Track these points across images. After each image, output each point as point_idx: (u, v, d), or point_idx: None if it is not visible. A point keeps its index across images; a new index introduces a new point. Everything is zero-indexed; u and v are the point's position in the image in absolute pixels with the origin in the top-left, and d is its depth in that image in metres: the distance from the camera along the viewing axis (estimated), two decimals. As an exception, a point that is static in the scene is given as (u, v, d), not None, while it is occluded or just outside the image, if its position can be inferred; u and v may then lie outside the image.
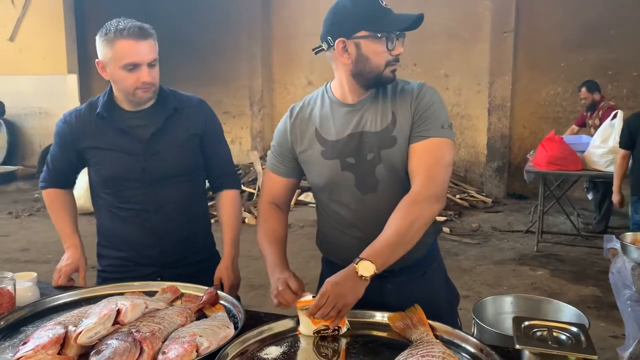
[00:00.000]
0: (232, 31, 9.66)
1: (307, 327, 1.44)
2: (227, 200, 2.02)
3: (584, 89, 6.22)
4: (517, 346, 1.23)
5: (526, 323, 1.33)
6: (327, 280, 1.41)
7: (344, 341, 1.44)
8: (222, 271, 1.91)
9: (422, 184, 1.50)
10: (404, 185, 1.57)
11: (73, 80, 9.87)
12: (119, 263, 1.91)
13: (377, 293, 1.58)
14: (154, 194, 1.86)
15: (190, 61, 9.91)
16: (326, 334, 1.43)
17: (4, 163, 10.25)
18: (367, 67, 1.55)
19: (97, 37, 1.73)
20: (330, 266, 1.79)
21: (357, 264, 1.40)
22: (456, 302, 1.84)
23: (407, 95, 1.58)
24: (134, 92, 1.76)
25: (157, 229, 1.88)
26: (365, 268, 1.39)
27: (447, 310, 1.62)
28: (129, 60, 1.71)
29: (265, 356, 1.36)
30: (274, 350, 1.38)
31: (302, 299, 1.46)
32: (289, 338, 1.45)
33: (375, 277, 1.63)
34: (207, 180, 2.05)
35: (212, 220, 2.14)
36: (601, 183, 5.79)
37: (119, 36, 1.68)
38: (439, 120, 1.56)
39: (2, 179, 9.43)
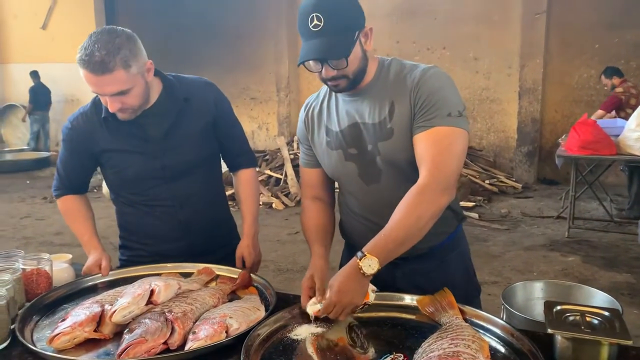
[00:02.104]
0: (258, 16, 9.65)
1: None
2: (245, 179, 2.02)
3: (602, 76, 6.33)
4: (549, 331, 1.22)
5: (558, 307, 1.31)
6: (330, 285, 1.39)
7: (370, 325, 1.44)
8: (243, 249, 1.91)
9: (429, 174, 1.42)
10: (407, 176, 1.52)
11: (103, 67, 10.01)
12: (145, 254, 1.91)
13: (389, 278, 1.57)
14: (177, 188, 1.84)
15: (216, 47, 9.96)
16: (358, 311, 1.44)
17: (38, 149, 10.55)
18: None
19: None
20: (350, 247, 1.80)
21: (360, 260, 1.36)
22: (476, 295, 1.78)
23: (407, 83, 1.49)
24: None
25: (184, 222, 1.87)
26: (369, 265, 1.36)
27: (464, 302, 1.50)
28: (92, 90, 1.63)
29: (295, 337, 1.37)
30: (303, 331, 1.39)
31: (312, 309, 1.44)
32: (318, 320, 1.45)
33: (389, 264, 1.63)
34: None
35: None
36: (635, 168, 5.64)
37: (80, 64, 1.58)
38: (444, 107, 1.45)
39: (37, 164, 9.68)
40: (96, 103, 1.81)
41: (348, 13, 1.44)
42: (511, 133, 8.18)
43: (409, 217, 1.41)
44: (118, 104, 1.64)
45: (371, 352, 1.31)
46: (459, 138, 1.45)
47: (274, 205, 6.85)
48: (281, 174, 7.74)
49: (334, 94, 1.63)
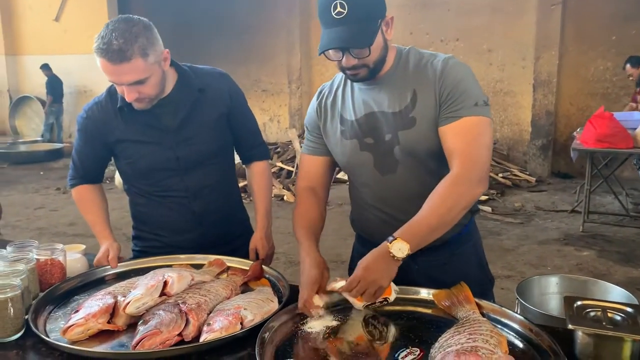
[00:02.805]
0: (269, 7, 9.62)
1: (355, 303, 1.42)
2: (258, 172, 2.01)
3: (628, 65, 6.09)
4: (570, 326, 1.19)
5: (579, 303, 1.28)
6: (359, 263, 1.38)
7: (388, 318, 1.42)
8: (256, 242, 1.91)
9: (462, 165, 1.41)
10: (425, 167, 1.53)
11: (115, 59, 10.05)
12: (158, 245, 1.91)
13: (404, 272, 1.56)
14: (191, 179, 1.83)
15: (227, 39, 9.95)
16: (376, 307, 1.41)
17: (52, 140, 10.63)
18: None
19: None
20: (361, 240, 1.78)
21: (390, 244, 1.36)
22: (490, 287, 1.77)
23: (429, 73, 1.48)
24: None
25: (197, 213, 1.86)
26: (399, 249, 1.35)
27: (479, 295, 1.49)
28: (109, 79, 1.62)
29: (309, 329, 1.35)
30: (317, 324, 1.37)
31: (334, 285, 1.42)
32: (333, 312, 1.44)
33: None
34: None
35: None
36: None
37: (98, 53, 1.57)
38: (471, 98, 1.44)
39: (50, 155, 9.76)
40: (111, 93, 1.81)
41: (371, 1, 1.42)
42: (525, 126, 8.10)
43: (442, 206, 1.40)
44: (135, 93, 1.63)
45: (392, 334, 1.31)
46: (487, 127, 1.46)
47: (285, 198, 6.84)
48: (292, 167, 7.73)
49: (349, 82, 1.61)
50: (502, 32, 8.00)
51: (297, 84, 9.74)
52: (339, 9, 1.37)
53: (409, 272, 1.60)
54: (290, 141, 8.34)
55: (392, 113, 1.51)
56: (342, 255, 4.73)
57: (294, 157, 7.85)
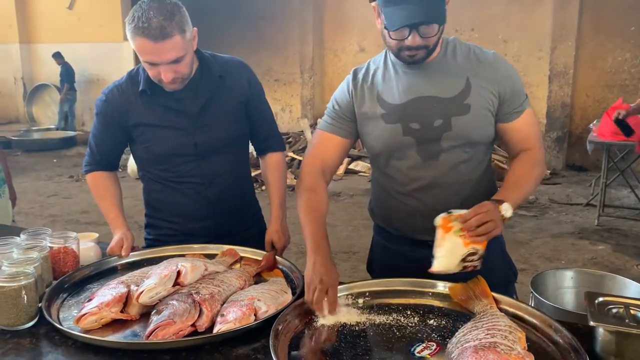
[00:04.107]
0: (283, -4, 9.54)
1: (452, 255, 1.36)
2: (273, 163, 1.99)
3: None
4: (592, 323, 1.16)
5: (600, 299, 1.25)
6: (476, 206, 1.37)
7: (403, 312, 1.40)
8: (272, 234, 1.90)
9: (539, 151, 1.56)
10: (468, 155, 1.55)
11: (128, 47, 10.06)
12: (171, 233, 1.90)
13: (429, 265, 1.54)
14: (208, 166, 1.82)
15: (240, 28, 9.91)
16: (471, 265, 1.37)
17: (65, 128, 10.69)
18: (386, 42, 1.50)
19: (126, 18, 1.62)
20: (382, 233, 1.75)
21: (500, 206, 1.37)
22: (513, 278, 1.76)
23: (486, 67, 1.52)
24: (159, 81, 1.68)
25: (212, 201, 1.86)
26: (507, 210, 1.39)
27: (502, 286, 1.51)
28: (147, 59, 1.61)
29: (323, 323, 1.33)
30: (331, 318, 1.35)
31: (454, 212, 1.38)
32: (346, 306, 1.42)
33: (424, 247, 1.57)
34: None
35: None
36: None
37: (136, 33, 1.55)
38: (523, 91, 1.56)
39: (63, 143, 9.82)
40: (132, 76, 1.80)
41: None
42: (540, 118, 7.99)
43: (534, 179, 1.53)
44: (172, 72, 1.63)
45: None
46: (534, 114, 1.61)
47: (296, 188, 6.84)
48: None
49: (390, 65, 1.58)
50: (518, 23, 7.88)
51: (310, 73, 9.69)
52: None
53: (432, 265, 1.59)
54: (302, 131, 8.31)
55: (446, 99, 1.51)
56: (354, 246, 4.71)
57: (306, 147, 7.82)
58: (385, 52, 1.61)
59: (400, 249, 1.69)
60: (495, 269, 1.65)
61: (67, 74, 10.33)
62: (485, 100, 1.51)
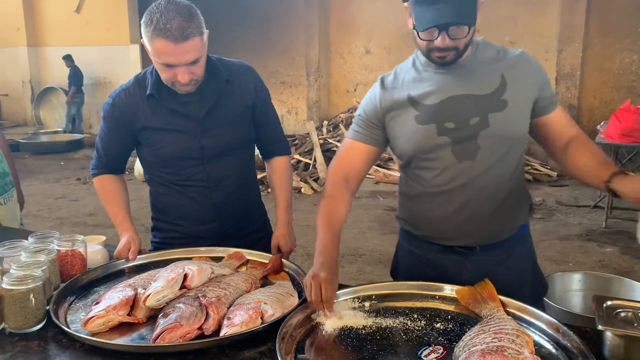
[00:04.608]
0: (289, -1, 9.56)
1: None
2: (279, 167, 2.00)
3: None
4: (600, 327, 1.16)
5: (609, 303, 1.24)
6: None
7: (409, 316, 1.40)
8: (279, 238, 1.90)
9: (583, 132, 1.58)
10: (504, 153, 1.52)
11: (135, 50, 10.13)
12: (178, 236, 1.91)
13: (456, 272, 1.52)
14: (213, 169, 1.83)
15: (246, 30, 9.92)
16: None
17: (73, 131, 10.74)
18: (416, 42, 1.49)
19: (142, 19, 1.62)
20: (409, 239, 1.72)
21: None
22: (543, 293, 1.74)
23: (520, 62, 1.53)
24: (172, 84, 1.69)
25: (218, 204, 1.86)
26: None
27: (531, 300, 1.43)
28: (166, 61, 1.61)
29: (329, 328, 1.33)
30: (336, 322, 1.35)
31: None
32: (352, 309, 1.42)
33: (453, 254, 1.57)
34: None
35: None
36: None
37: (157, 34, 1.55)
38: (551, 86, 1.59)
39: (71, 146, 9.86)
40: (139, 80, 1.81)
41: None
42: (547, 119, 7.96)
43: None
44: (188, 74, 1.64)
45: None
46: None
47: (302, 190, 6.83)
48: (310, 159, 7.71)
49: (420, 67, 1.56)
50: (525, 24, 7.86)
51: (316, 76, 9.69)
52: None
53: (462, 272, 1.57)
54: (308, 133, 8.31)
55: (481, 96, 1.49)
56: (360, 249, 4.71)
57: (312, 149, 7.82)
58: (413, 57, 1.60)
59: (427, 255, 1.66)
60: (525, 283, 1.63)
61: (75, 76, 10.38)
62: (523, 94, 1.51)
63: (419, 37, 1.44)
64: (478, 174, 1.52)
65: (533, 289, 1.66)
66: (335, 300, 1.39)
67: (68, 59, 10.29)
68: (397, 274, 1.82)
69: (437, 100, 1.51)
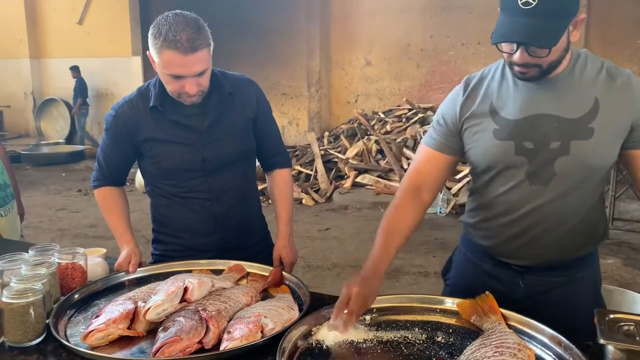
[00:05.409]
0: (290, 10, 9.62)
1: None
2: (280, 180, 2.00)
3: None
4: (601, 341, 1.15)
5: (610, 316, 1.24)
6: None
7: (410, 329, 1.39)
8: (280, 250, 1.91)
9: None
10: (579, 186, 1.41)
11: (137, 62, 10.18)
12: (178, 248, 1.90)
13: (506, 288, 1.45)
14: (215, 182, 1.83)
15: (247, 42, 9.99)
16: None
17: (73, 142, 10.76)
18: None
19: (150, 31, 1.62)
20: (469, 245, 1.64)
21: None
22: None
23: (620, 88, 1.36)
24: (178, 95, 1.70)
25: (219, 216, 1.86)
26: None
27: (586, 327, 1.29)
28: (175, 72, 1.61)
29: (329, 343, 1.32)
30: (337, 336, 1.34)
31: None
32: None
33: (507, 270, 1.52)
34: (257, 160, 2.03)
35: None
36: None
37: (167, 46, 1.56)
38: None
39: (72, 157, 9.88)
40: (142, 92, 1.82)
41: None
42: (547, 130, 7.98)
43: None
44: (196, 85, 1.65)
45: None
46: None
47: (304, 201, 6.83)
48: (311, 170, 7.71)
49: (509, 77, 1.44)
50: (525, 36, 7.91)
51: (317, 87, 9.74)
52: None
53: (513, 290, 1.51)
54: (309, 144, 8.32)
55: (568, 120, 1.36)
56: (361, 260, 4.69)
57: (313, 160, 7.84)
58: (503, 62, 1.46)
59: (483, 265, 1.60)
60: (582, 309, 1.46)
61: (81, 88, 10.41)
62: (614, 125, 1.36)
63: (498, 48, 1.34)
64: (549, 200, 1.42)
65: (591, 316, 1.33)
66: (358, 322, 1.35)
67: (75, 70, 10.29)
68: (448, 275, 1.75)
69: (520, 117, 1.40)
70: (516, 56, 1.32)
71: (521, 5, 1.24)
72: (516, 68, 1.35)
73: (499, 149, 1.42)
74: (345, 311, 1.30)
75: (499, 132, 1.42)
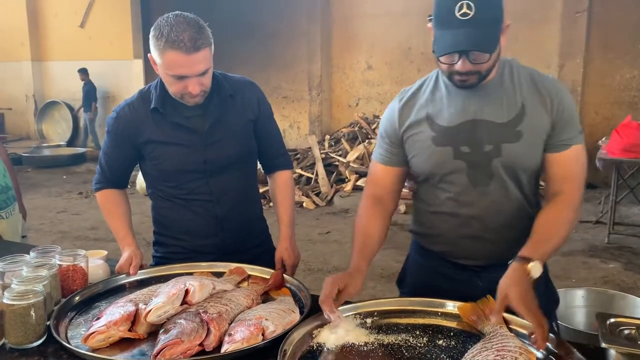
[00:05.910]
0: (291, 14, 9.64)
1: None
2: (281, 182, 2.00)
3: None
4: (603, 345, 1.15)
5: (612, 320, 1.23)
6: (515, 300, 1.27)
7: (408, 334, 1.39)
8: (282, 252, 1.90)
9: (577, 193, 1.48)
10: (518, 184, 1.51)
11: (139, 65, 10.20)
12: (179, 251, 1.91)
13: (466, 288, 1.50)
14: (216, 183, 1.83)
15: (248, 45, 10.00)
16: None
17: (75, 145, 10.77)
18: (438, 64, 1.45)
19: (151, 33, 1.62)
20: (421, 252, 1.72)
21: (529, 266, 1.33)
22: (554, 307, 1.71)
23: (543, 92, 1.46)
24: (181, 96, 1.70)
25: (220, 218, 1.86)
26: (537, 270, 1.34)
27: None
28: (178, 73, 1.62)
29: (330, 345, 1.32)
30: (337, 338, 1.34)
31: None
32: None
33: (465, 270, 1.57)
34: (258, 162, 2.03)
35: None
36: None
37: (170, 46, 1.57)
38: (577, 125, 1.49)
39: (73, 160, 9.89)
40: (143, 94, 1.83)
41: (498, 3, 1.36)
42: (548, 135, 7.98)
43: (567, 230, 1.44)
44: (199, 85, 1.66)
45: None
46: (585, 154, 1.51)
47: (304, 205, 6.83)
48: (312, 173, 7.72)
49: (442, 87, 1.53)
50: (526, 40, 7.90)
51: (318, 90, 9.75)
52: (465, 9, 1.30)
53: (473, 289, 1.55)
54: (310, 147, 8.33)
55: (497, 124, 1.46)
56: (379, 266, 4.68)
57: (314, 163, 7.84)
58: (437, 73, 1.56)
59: (437, 269, 1.66)
60: (538, 299, 1.56)
61: (92, 92, 10.35)
62: (538, 130, 1.46)
63: (439, 60, 1.41)
64: (492, 200, 1.51)
65: (545, 304, 1.57)
66: (339, 310, 1.38)
67: (83, 72, 10.22)
68: (404, 284, 1.81)
69: (455, 123, 1.49)
70: (458, 65, 1.38)
71: (459, 17, 1.32)
72: (457, 77, 1.42)
73: (439, 155, 1.51)
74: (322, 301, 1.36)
75: (437, 139, 1.51)
